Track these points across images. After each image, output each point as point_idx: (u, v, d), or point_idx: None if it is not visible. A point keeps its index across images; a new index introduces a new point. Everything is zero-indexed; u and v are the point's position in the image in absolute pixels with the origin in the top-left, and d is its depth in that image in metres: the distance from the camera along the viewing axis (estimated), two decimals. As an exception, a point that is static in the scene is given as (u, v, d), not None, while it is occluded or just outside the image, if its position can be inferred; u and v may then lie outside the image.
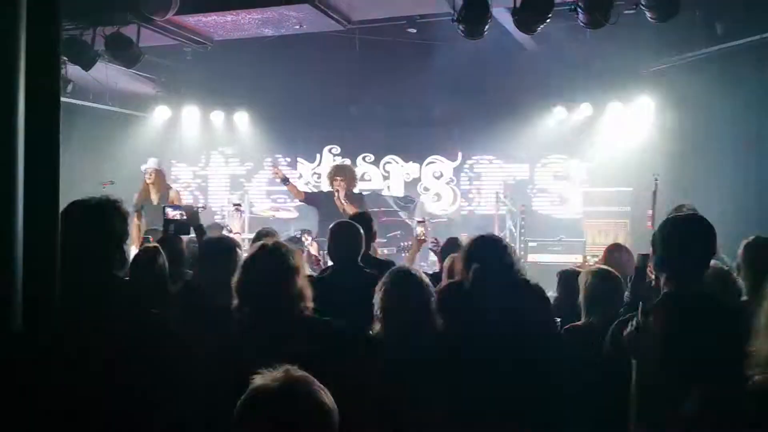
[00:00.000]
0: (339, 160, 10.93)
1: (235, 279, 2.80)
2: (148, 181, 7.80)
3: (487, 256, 3.24)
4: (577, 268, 5.19)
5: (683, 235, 2.70)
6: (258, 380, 1.74)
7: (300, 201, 8.09)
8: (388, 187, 11.06)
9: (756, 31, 6.85)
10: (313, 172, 11.42)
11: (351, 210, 6.77)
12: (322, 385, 1.76)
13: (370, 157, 11.16)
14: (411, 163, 11.10)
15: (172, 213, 4.47)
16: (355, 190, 7.60)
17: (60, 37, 2.26)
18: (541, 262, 8.73)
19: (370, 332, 3.04)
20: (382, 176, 11.16)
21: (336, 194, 7.22)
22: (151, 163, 7.97)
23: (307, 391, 1.71)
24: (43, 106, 2.08)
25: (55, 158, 2.10)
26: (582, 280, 3.72)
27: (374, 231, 4.83)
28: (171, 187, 8.00)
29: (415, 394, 2.79)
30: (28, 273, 1.97)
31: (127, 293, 2.62)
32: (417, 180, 11.06)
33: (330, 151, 11.37)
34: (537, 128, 10.10)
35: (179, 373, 2.42)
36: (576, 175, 10.32)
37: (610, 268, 3.80)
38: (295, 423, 1.68)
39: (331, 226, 4.17)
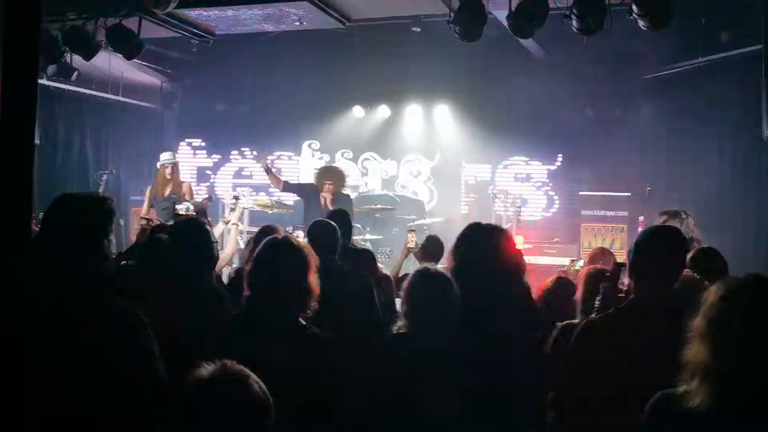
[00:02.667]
0: (318, 156, 11.10)
1: (246, 271, 2.81)
2: (167, 176, 7.85)
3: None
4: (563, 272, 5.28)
5: (653, 244, 2.81)
6: (197, 372, 1.81)
7: (280, 190, 8.20)
8: (366, 183, 11.14)
9: (759, 40, 6.83)
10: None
11: None
12: (257, 379, 1.82)
13: (349, 154, 11.23)
14: (389, 160, 11.16)
15: (181, 209, 4.61)
16: (344, 191, 7.63)
17: (39, 30, 2.30)
18: (536, 264, 8.75)
19: (393, 329, 3.12)
20: (360, 173, 11.22)
21: (323, 199, 7.28)
22: (169, 157, 8.05)
23: (240, 384, 1.78)
24: (19, 101, 2.11)
25: (30, 151, 2.14)
26: (581, 281, 3.79)
27: (352, 226, 4.94)
28: (184, 182, 8.05)
29: (436, 388, 2.86)
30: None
31: (102, 289, 2.65)
32: (395, 177, 11.14)
33: (309, 146, 11.44)
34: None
35: (146, 366, 2.45)
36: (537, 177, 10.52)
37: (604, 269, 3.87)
38: (226, 413, 1.75)
39: (308, 225, 4.27)
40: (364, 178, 11.21)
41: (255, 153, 11.54)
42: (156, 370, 2.37)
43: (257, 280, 2.74)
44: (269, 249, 2.81)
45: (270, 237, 2.91)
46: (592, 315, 3.42)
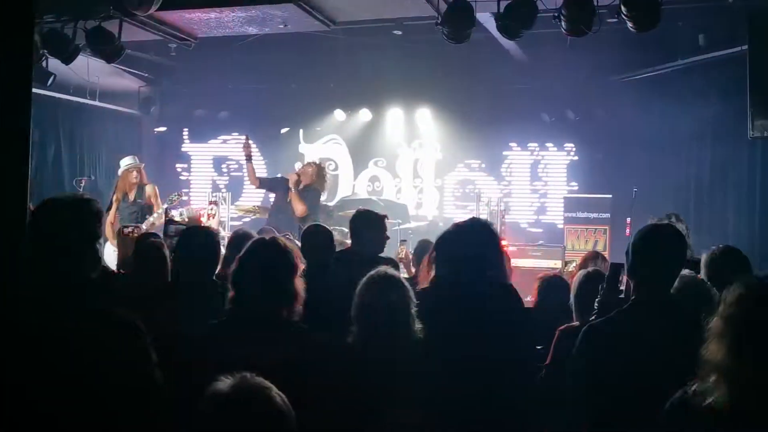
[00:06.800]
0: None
1: (231, 271, 2.76)
2: (134, 180, 7.88)
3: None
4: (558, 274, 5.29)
5: (652, 244, 2.76)
6: (214, 385, 1.74)
7: (256, 186, 8.18)
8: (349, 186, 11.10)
9: (738, 42, 6.94)
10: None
11: (297, 203, 7.27)
12: (279, 391, 1.76)
13: (332, 165, 11.15)
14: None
15: (176, 215, 4.51)
16: (324, 193, 7.85)
17: (33, 31, 2.23)
18: (521, 266, 8.76)
19: (349, 338, 3.03)
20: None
21: (294, 180, 7.48)
22: (133, 161, 8.05)
23: (261, 397, 1.71)
24: (14, 105, 2.05)
25: (25, 157, 2.07)
26: (575, 283, 3.79)
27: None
28: (147, 184, 8.02)
29: (392, 396, 2.80)
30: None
31: (96, 293, 2.57)
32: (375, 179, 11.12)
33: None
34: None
35: (144, 375, 2.38)
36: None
37: (601, 271, 3.85)
38: (249, 428, 1.68)
39: (304, 228, 4.17)
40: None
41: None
42: (153, 378, 2.30)
43: (241, 280, 2.71)
44: (254, 249, 2.77)
45: (257, 237, 2.88)
46: (592, 318, 3.40)
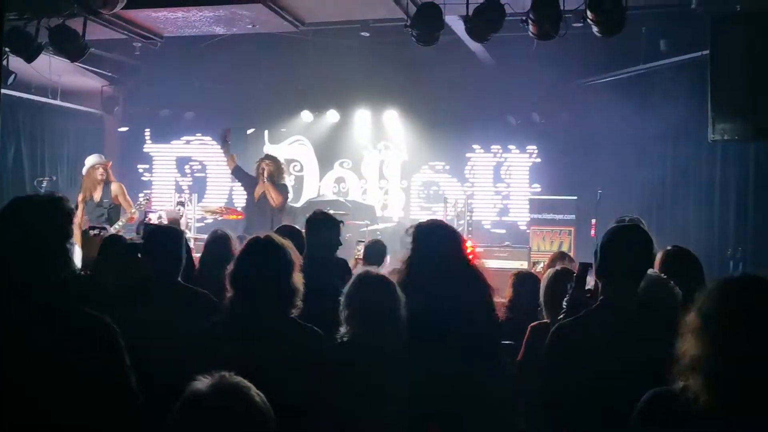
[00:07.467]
0: None
1: (228, 271, 2.74)
2: (99, 177, 7.75)
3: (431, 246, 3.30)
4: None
5: (620, 244, 2.80)
6: (193, 385, 1.72)
7: (230, 170, 8.22)
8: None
9: (699, 47, 7.09)
10: None
11: (273, 193, 7.40)
12: (258, 391, 1.74)
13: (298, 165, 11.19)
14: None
15: (153, 218, 4.43)
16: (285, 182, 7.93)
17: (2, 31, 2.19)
18: (487, 267, 8.82)
19: (338, 338, 3.05)
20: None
21: (260, 177, 7.61)
22: (99, 159, 7.94)
23: (241, 396, 1.70)
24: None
25: None
26: (544, 281, 3.84)
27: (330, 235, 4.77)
28: (113, 182, 7.91)
29: (385, 393, 2.84)
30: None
31: (68, 294, 2.53)
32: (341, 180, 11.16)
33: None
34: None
35: (119, 378, 2.34)
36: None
37: (570, 269, 3.91)
38: (228, 428, 1.66)
39: (275, 229, 4.16)
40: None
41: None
42: (127, 383, 2.27)
43: (241, 280, 2.69)
44: (252, 248, 2.76)
45: (253, 237, 2.85)
46: (561, 316, 3.45)
